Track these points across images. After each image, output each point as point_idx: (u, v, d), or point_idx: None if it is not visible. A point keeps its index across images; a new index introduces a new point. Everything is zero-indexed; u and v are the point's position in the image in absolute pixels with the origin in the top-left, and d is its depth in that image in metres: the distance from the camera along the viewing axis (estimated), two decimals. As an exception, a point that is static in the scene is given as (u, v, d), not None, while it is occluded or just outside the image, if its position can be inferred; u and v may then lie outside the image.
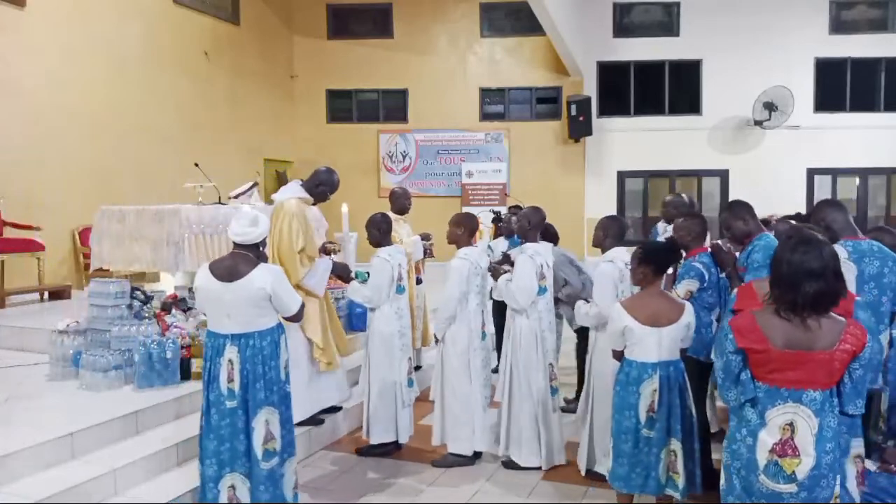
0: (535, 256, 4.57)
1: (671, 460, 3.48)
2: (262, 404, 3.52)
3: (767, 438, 2.51)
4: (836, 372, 2.48)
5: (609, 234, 4.42)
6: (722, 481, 2.72)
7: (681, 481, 3.48)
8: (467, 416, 4.69)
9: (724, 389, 2.64)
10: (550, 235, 6.31)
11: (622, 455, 3.53)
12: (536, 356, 4.58)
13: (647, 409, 3.47)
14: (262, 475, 3.51)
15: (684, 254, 4.38)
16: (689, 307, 3.59)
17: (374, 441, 4.82)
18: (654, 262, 3.56)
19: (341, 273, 4.98)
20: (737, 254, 4.11)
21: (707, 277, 4.18)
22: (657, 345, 3.48)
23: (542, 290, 4.60)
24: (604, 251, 4.41)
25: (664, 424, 3.47)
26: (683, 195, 6.58)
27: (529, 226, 4.69)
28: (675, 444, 3.48)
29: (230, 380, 3.50)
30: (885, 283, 3.60)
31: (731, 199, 13.21)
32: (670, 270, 4.53)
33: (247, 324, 3.52)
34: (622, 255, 4.35)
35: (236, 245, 3.61)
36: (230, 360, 3.51)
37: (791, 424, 2.49)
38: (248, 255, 3.58)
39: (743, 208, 4.17)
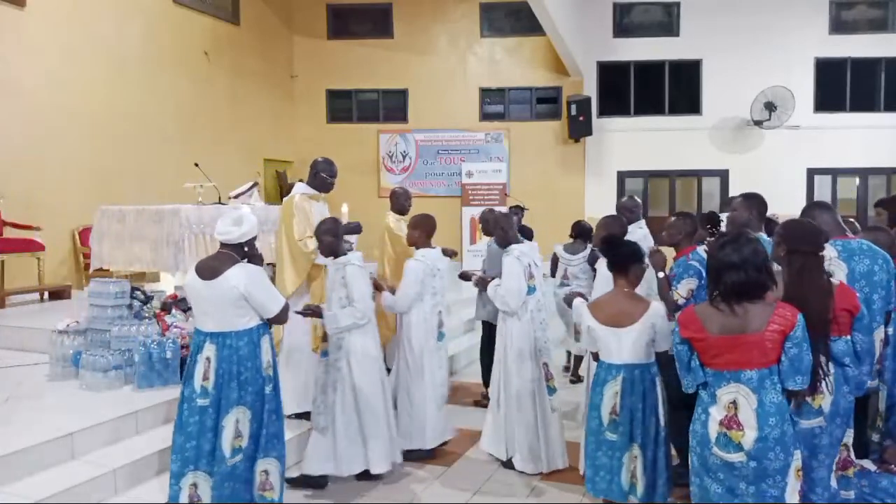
0: (521, 257, 4.59)
1: (634, 466, 3.41)
2: (234, 403, 3.51)
3: (716, 414, 2.79)
4: (769, 351, 2.74)
5: (611, 233, 4.44)
6: (689, 462, 2.95)
7: (639, 488, 3.40)
8: (420, 415, 4.76)
9: (681, 377, 2.94)
10: (587, 233, 6.40)
11: (588, 456, 3.54)
12: (530, 356, 4.59)
13: (609, 411, 3.43)
14: (226, 472, 3.49)
15: (675, 252, 4.41)
16: (654, 308, 3.50)
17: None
18: (611, 258, 3.61)
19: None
20: None
21: (704, 275, 4.16)
22: (617, 346, 3.45)
23: (531, 290, 4.61)
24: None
25: (627, 429, 3.40)
26: (636, 196, 6.77)
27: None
28: (637, 451, 3.41)
29: (205, 378, 3.51)
30: (875, 281, 3.61)
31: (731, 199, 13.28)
32: (661, 274, 4.61)
33: (225, 323, 3.53)
34: None
35: (222, 244, 3.62)
36: (207, 358, 3.52)
37: (734, 402, 2.76)
38: (231, 255, 3.58)
39: (757, 202, 4.16)
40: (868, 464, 3.77)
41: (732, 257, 2.78)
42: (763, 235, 4.10)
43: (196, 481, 3.51)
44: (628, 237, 5.86)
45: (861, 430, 3.89)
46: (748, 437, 2.70)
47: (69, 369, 5.13)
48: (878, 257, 3.64)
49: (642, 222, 6.38)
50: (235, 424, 3.51)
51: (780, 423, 2.71)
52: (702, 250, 4.29)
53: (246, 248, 3.67)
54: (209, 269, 3.55)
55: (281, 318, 3.70)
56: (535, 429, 4.57)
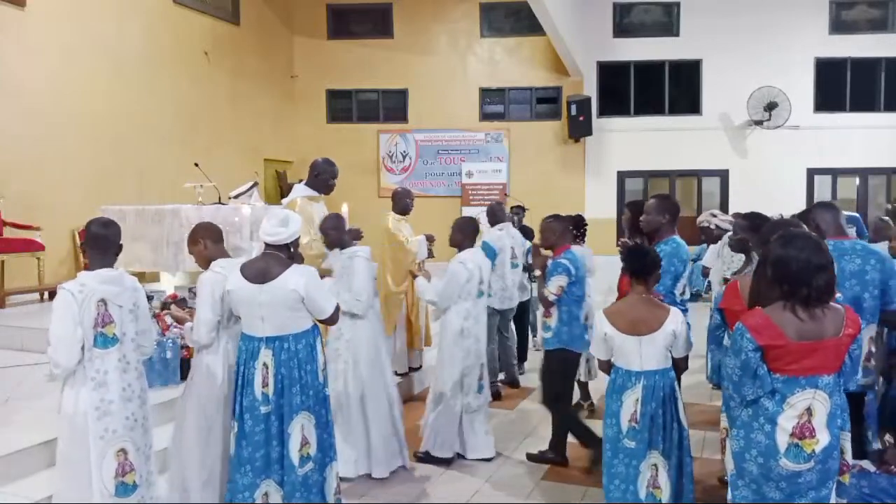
0: (369, 260, 4.60)
1: (652, 475, 3.36)
2: (298, 409, 3.41)
3: (786, 424, 2.65)
4: (842, 355, 2.69)
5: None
6: (731, 469, 2.83)
7: (663, 496, 3.36)
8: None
9: (740, 386, 2.72)
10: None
11: (605, 465, 3.49)
12: (376, 357, 4.56)
13: (628, 418, 3.38)
14: (297, 481, 3.40)
15: (552, 253, 4.73)
16: (674, 314, 3.44)
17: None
18: (628, 265, 3.54)
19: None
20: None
21: (574, 272, 4.50)
22: (638, 353, 3.39)
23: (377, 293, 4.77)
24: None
25: (646, 436, 3.36)
26: (501, 203, 7.04)
27: (337, 233, 4.61)
28: (657, 458, 3.36)
29: (265, 384, 3.40)
30: (867, 280, 3.67)
31: (731, 199, 13.33)
32: (537, 273, 4.94)
33: (281, 326, 3.43)
34: (473, 256, 4.73)
35: (267, 245, 3.51)
36: (265, 364, 3.41)
37: (809, 409, 2.65)
38: (280, 256, 3.48)
39: (669, 204, 4.31)
40: (867, 464, 3.77)
41: (820, 258, 2.63)
42: (677, 239, 4.22)
43: (268, 490, 3.41)
44: (487, 238, 6.22)
45: (859, 429, 3.89)
46: (821, 442, 2.64)
47: (69, 369, 5.12)
48: (872, 257, 3.70)
49: (507, 224, 6.51)
50: (301, 431, 3.42)
51: (843, 424, 2.73)
52: (574, 249, 4.68)
53: (291, 249, 3.59)
54: (260, 273, 3.42)
55: (334, 318, 3.62)
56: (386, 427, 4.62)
